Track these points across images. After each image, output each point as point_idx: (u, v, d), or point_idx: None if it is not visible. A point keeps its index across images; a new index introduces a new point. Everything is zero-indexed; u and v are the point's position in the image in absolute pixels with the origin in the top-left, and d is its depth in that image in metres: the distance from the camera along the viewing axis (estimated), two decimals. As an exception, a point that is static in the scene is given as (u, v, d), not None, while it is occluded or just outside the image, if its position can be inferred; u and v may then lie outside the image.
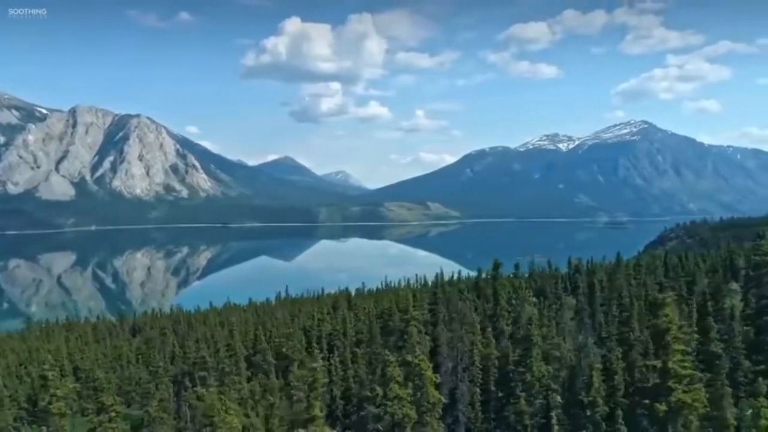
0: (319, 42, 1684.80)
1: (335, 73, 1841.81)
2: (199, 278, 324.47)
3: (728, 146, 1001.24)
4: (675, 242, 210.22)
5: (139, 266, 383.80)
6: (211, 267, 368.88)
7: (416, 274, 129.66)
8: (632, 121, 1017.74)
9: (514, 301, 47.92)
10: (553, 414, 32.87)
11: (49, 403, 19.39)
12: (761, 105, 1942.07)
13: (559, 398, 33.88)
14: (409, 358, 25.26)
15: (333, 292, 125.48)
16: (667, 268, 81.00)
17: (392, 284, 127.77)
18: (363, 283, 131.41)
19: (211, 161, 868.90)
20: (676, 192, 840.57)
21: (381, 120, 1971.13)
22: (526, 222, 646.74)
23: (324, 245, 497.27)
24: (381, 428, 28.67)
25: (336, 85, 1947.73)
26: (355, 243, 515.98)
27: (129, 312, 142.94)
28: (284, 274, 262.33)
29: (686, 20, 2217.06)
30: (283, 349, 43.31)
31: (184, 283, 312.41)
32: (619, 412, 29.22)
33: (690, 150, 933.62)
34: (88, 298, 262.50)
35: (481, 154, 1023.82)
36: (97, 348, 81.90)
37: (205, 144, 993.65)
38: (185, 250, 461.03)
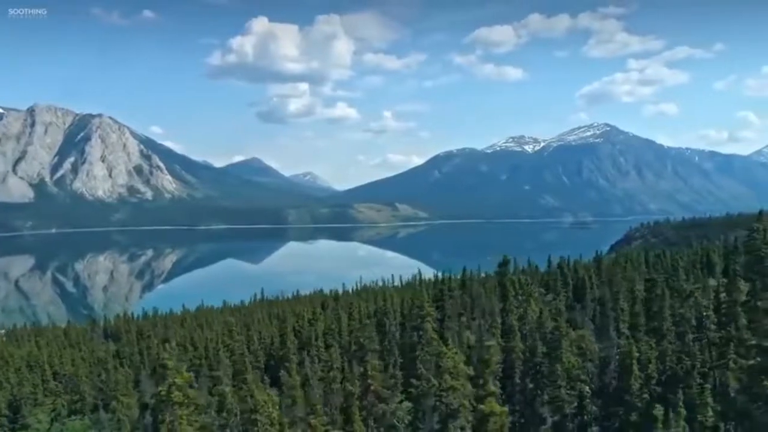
0: (286, 42, 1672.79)
1: (303, 74, 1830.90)
2: (164, 281, 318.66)
3: (686, 148, 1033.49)
4: (640, 241, 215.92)
5: (101, 270, 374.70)
6: (177, 270, 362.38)
7: (392, 275, 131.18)
8: (595, 124, 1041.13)
9: (520, 297, 48.53)
10: (585, 404, 33.58)
11: (169, 392, 19.40)
12: (717, 109, 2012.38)
13: (587, 388, 34.48)
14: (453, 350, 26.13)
15: (308, 293, 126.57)
16: (648, 265, 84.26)
17: (367, 285, 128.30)
18: (343, 284, 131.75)
19: (176, 162, 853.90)
20: (637, 193, 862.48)
21: (349, 121, 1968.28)
22: (493, 223, 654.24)
23: (292, 247, 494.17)
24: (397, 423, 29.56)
25: (304, 86, 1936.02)
26: (324, 245, 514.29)
27: (93, 316, 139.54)
28: (252, 277, 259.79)
29: (647, 26, 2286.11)
30: (361, 339, 43.98)
31: (148, 287, 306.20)
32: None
33: (650, 152, 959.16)
34: (47, 303, 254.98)
35: (448, 156, 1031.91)
36: (73, 352, 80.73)
37: (170, 145, 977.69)
38: (150, 253, 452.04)
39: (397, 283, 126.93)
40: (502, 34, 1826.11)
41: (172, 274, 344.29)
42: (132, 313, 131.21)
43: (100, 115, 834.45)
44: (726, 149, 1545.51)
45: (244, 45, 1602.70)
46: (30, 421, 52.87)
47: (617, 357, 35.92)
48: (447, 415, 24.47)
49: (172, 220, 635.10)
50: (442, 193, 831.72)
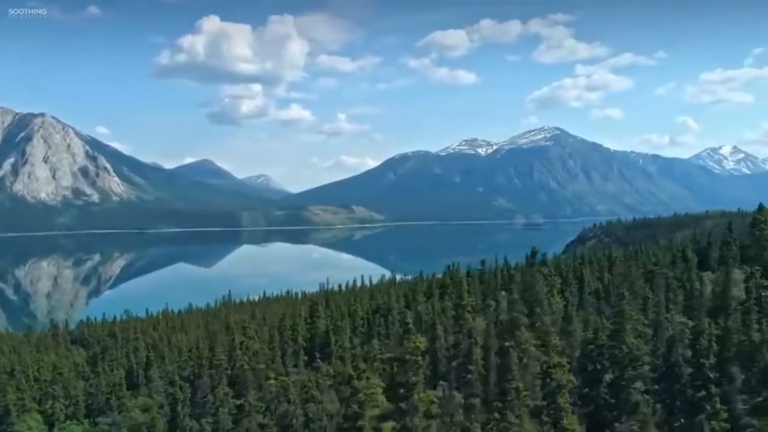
0: (238, 42, 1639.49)
1: (256, 75, 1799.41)
2: (111, 287, 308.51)
3: (631, 152, 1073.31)
4: (594, 241, 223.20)
5: (44, 276, 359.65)
6: (125, 275, 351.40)
7: (358, 277, 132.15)
8: (545, 127, 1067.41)
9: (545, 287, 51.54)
10: (641, 385, 34.84)
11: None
12: (659, 114, 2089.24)
13: (646, 368, 35.79)
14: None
15: (279, 294, 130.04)
16: (635, 260, 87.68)
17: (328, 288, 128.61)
18: (324, 282, 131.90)
19: (123, 164, 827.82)
20: (585, 194, 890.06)
21: (303, 123, 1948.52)
22: (447, 224, 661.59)
23: (246, 250, 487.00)
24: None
25: (256, 87, 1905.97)
26: (278, 247, 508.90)
27: (55, 322, 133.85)
28: (203, 281, 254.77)
29: (594, 33, 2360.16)
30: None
31: (95, 293, 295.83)
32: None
33: (598, 155, 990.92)
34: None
35: (403, 158, 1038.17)
36: (46, 358, 78.71)
37: (117, 146, 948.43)
38: (96, 257, 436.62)
39: (366, 283, 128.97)
40: (456, 39, 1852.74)
41: (120, 280, 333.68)
42: (96, 318, 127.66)
43: (42, 115, 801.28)
44: (667, 153, 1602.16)
45: (195, 44, 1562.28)
46: (20, 427, 52.70)
47: (664, 340, 38.75)
48: (554, 389, 27.91)
49: (120, 224, 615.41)
50: (397, 195, 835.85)
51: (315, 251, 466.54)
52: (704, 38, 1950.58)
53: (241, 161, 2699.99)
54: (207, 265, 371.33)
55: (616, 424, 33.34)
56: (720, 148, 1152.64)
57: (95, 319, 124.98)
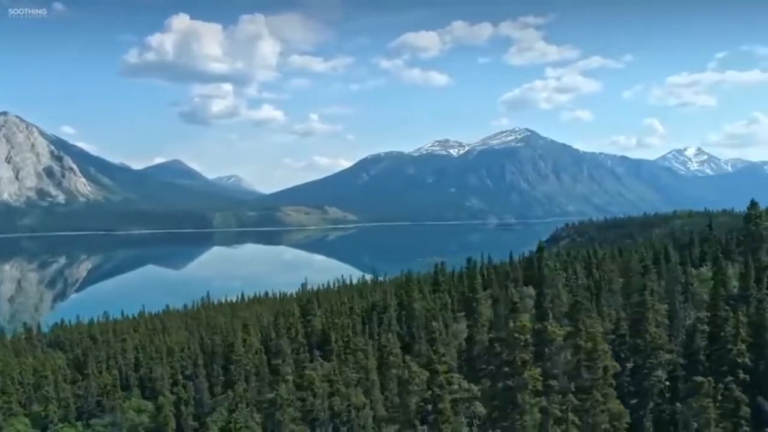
0: (209, 41, 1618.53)
1: (227, 74, 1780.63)
2: (78, 290, 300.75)
3: (600, 153, 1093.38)
4: (567, 241, 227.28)
5: (7, 279, 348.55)
6: (92, 278, 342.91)
7: (331, 278, 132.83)
8: (516, 129, 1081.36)
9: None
10: (662, 373, 35.86)
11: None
12: (626, 116, 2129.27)
13: (667, 356, 36.68)
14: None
15: (258, 295, 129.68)
16: (614, 259, 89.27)
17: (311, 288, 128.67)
18: (304, 283, 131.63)
19: (90, 164, 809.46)
20: (556, 195, 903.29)
21: (274, 123, 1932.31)
22: (420, 225, 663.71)
23: (217, 252, 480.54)
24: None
25: (227, 87, 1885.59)
26: (250, 249, 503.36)
27: (28, 325, 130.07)
28: (173, 283, 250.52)
29: (564, 36, 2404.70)
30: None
31: (61, 296, 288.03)
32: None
33: (568, 156, 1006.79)
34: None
35: (376, 159, 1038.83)
36: (25, 361, 76.80)
37: (83, 145, 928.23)
38: (62, 260, 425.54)
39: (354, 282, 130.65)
40: (428, 40, 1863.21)
41: (87, 282, 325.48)
42: (70, 321, 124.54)
43: (5, 113, 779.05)
44: (635, 154, 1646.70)
45: (164, 43, 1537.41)
46: (8, 431, 52.70)
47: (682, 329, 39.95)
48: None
49: (87, 225, 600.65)
50: (370, 196, 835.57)
51: (287, 252, 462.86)
52: (670, 42, 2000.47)
53: (211, 161, 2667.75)
54: (177, 267, 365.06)
55: (678, 405, 33.96)
56: (685, 149, 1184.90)
57: (69, 322, 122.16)
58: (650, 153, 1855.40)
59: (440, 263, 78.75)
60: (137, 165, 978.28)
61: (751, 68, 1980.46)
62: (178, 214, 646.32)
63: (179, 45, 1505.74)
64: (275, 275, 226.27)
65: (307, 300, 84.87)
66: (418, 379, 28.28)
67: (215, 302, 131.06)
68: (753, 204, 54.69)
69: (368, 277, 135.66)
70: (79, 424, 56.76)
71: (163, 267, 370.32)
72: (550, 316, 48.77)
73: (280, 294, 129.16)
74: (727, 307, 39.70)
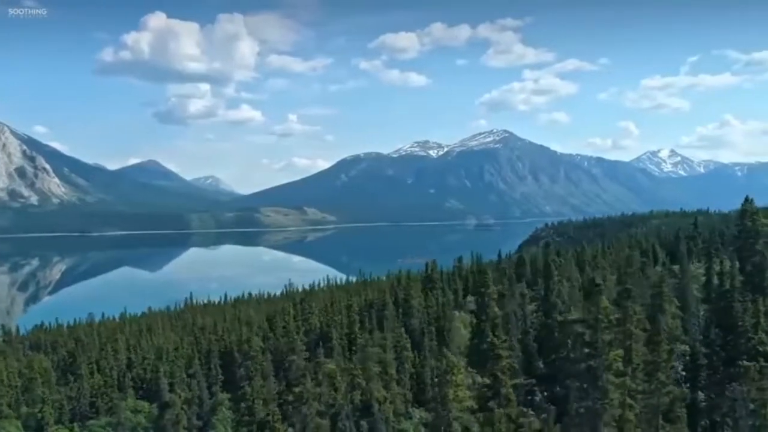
0: (186, 40, 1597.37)
1: (204, 74, 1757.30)
2: (51, 293, 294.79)
3: (577, 155, 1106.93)
4: (547, 240, 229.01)
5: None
6: (66, 280, 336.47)
7: (309, 279, 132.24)
8: (495, 130, 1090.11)
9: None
10: (678, 364, 36.64)
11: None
12: (602, 118, 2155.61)
13: (682, 347, 37.39)
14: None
15: (241, 296, 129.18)
16: (605, 257, 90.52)
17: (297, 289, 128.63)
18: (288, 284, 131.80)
19: (64, 164, 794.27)
20: (534, 196, 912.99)
21: (253, 124, 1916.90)
22: (400, 226, 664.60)
23: (194, 253, 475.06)
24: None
25: (205, 87, 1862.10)
26: (228, 250, 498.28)
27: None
28: (149, 285, 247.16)
29: (541, 39, 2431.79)
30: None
31: (33, 299, 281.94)
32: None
33: (545, 157, 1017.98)
34: None
35: (355, 160, 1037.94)
36: (8, 364, 74.69)
37: (57, 145, 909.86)
38: (35, 262, 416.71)
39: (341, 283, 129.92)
40: (407, 41, 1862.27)
41: (61, 285, 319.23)
42: (50, 324, 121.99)
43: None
44: (610, 156, 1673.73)
45: (140, 41, 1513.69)
46: None
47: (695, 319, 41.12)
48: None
49: (61, 227, 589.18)
50: (349, 197, 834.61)
51: (266, 254, 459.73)
52: (644, 46, 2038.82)
53: (189, 162, 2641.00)
54: (153, 269, 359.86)
55: (700, 393, 34.65)
56: (659, 151, 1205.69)
57: (50, 324, 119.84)
58: (625, 155, 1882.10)
59: (432, 262, 79.58)
60: (112, 165, 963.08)
61: (723, 72, 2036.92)
62: (155, 215, 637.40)
63: (155, 44, 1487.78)
64: (253, 277, 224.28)
65: (302, 299, 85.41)
66: (456, 368, 28.71)
67: (199, 303, 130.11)
68: (747, 201, 59.22)
69: (353, 277, 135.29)
70: (74, 425, 56.53)
71: (139, 269, 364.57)
72: (559, 306, 51.08)
73: (267, 294, 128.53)
74: (741, 298, 40.88)
